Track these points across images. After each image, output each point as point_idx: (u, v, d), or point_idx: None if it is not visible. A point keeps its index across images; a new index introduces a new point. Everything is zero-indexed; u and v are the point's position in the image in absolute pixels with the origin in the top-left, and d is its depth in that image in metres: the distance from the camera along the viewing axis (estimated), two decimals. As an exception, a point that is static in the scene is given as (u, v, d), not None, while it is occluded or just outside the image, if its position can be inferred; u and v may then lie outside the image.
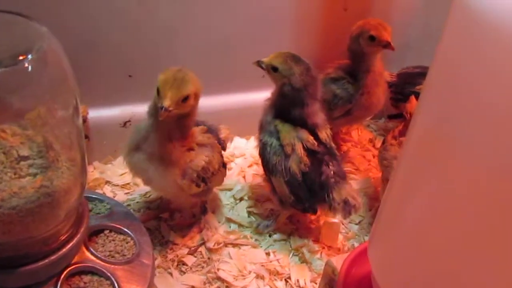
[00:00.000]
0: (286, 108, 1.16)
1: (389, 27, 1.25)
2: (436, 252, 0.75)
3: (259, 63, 1.16)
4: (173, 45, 1.32)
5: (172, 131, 1.00)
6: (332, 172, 1.15)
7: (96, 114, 1.31)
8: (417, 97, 1.30)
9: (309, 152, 1.14)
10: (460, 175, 0.69)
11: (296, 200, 1.15)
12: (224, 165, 1.19)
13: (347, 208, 1.13)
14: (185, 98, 0.94)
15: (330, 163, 1.16)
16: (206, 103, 1.40)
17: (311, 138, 1.15)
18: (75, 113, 0.85)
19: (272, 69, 1.14)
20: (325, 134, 1.18)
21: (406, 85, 1.48)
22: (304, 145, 1.14)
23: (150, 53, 1.31)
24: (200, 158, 1.06)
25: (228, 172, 1.31)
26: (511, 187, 0.60)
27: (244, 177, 1.39)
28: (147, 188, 1.30)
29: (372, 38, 1.24)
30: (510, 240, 0.63)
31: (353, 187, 1.19)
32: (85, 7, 1.20)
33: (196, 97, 0.98)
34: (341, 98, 1.34)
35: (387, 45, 1.24)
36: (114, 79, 1.31)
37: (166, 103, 0.91)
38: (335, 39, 1.38)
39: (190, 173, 1.05)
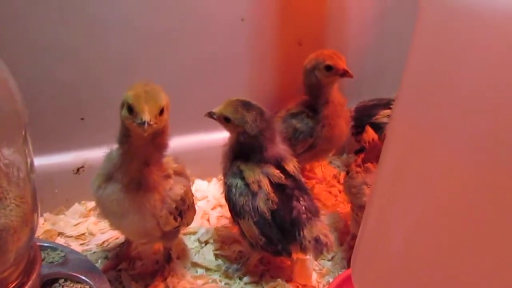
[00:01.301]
0: (245, 153, 1.11)
1: (343, 56, 1.25)
2: (423, 267, 0.71)
3: (210, 115, 1.12)
4: (127, 84, 1.26)
5: (148, 154, 0.94)
6: (303, 207, 1.08)
7: (46, 161, 1.23)
8: (373, 127, 1.29)
9: (277, 187, 1.08)
10: (441, 188, 0.67)
11: (267, 242, 1.07)
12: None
13: (319, 247, 1.06)
14: (161, 110, 0.88)
15: (301, 198, 1.09)
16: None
17: (277, 171, 1.09)
18: (25, 144, 0.78)
19: (225, 120, 1.10)
20: (292, 166, 1.13)
21: (364, 118, 1.47)
22: (271, 180, 1.08)
23: (103, 93, 1.25)
24: (179, 187, 1.00)
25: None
26: (497, 197, 0.59)
27: (208, 220, 1.32)
28: (104, 237, 1.21)
29: (328, 68, 1.24)
30: (497, 254, 0.61)
31: (325, 224, 1.12)
32: (31, 43, 1.14)
33: (168, 109, 0.92)
34: (302, 132, 1.31)
35: (344, 74, 1.23)
36: (65, 122, 1.24)
37: (146, 117, 0.85)
38: (292, 74, 1.37)
39: (169, 203, 0.97)
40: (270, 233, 1.07)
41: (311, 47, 1.36)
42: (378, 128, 1.33)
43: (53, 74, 1.19)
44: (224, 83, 1.38)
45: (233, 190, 1.09)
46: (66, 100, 1.22)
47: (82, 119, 1.26)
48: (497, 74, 0.56)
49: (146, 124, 0.84)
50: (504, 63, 0.56)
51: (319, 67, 1.25)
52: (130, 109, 0.87)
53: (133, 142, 0.92)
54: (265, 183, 1.07)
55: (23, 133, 0.77)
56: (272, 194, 1.06)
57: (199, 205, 1.36)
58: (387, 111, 1.42)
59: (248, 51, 1.38)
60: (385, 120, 1.41)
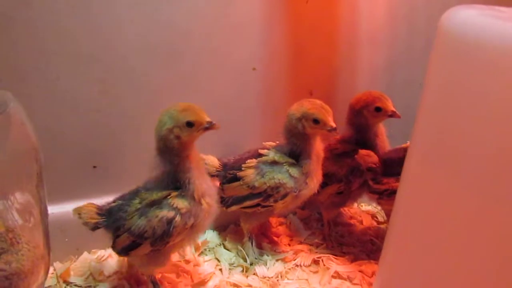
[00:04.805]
0: None
1: (389, 97, 1.28)
2: None
3: None
4: (137, 133, 1.28)
5: None
6: None
7: (57, 209, 1.22)
8: None
9: None
10: (451, 223, 0.67)
11: None
12: None
13: None
14: None
15: None
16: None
17: None
18: (39, 188, 0.78)
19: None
20: None
21: None
22: None
23: (116, 142, 1.26)
24: None
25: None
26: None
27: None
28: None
29: (378, 109, 1.27)
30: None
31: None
32: (46, 93, 1.17)
33: None
34: (358, 170, 1.32)
35: (392, 114, 1.27)
36: (77, 171, 1.25)
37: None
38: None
39: None
40: None
41: (322, 96, 1.37)
42: None
43: (66, 123, 1.20)
44: (235, 132, 1.39)
45: None
46: (78, 148, 1.23)
47: (94, 167, 1.26)
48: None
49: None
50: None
51: (368, 109, 1.28)
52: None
53: None
54: None
55: (38, 177, 0.77)
56: None
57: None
58: None
59: (259, 101, 1.39)
60: None
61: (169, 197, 1.03)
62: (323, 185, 1.27)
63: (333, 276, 1.25)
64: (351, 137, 1.35)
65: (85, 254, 1.27)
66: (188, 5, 1.22)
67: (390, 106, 1.27)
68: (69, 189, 1.25)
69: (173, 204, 1.02)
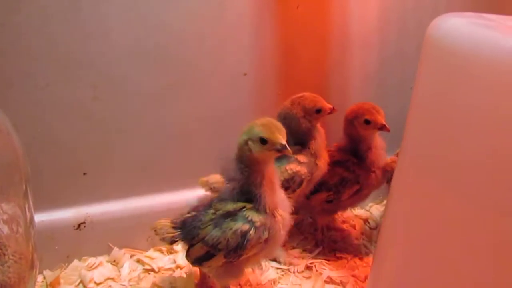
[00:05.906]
0: None
1: (381, 110, 1.28)
2: None
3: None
4: (128, 140, 1.27)
5: None
6: None
7: (46, 217, 1.21)
8: None
9: None
10: (444, 230, 0.67)
11: None
12: None
13: None
14: None
15: None
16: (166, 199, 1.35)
17: None
18: (25, 199, 0.77)
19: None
20: None
21: None
22: None
23: (105, 149, 1.25)
24: None
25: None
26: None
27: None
28: (104, 295, 1.18)
29: (367, 122, 1.27)
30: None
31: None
32: (35, 100, 1.15)
33: None
34: (349, 180, 1.32)
35: (382, 128, 1.26)
36: (67, 178, 1.23)
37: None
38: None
39: None
40: None
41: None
42: None
43: (56, 130, 1.19)
44: (226, 138, 1.37)
45: None
46: (68, 155, 1.22)
47: (84, 174, 1.25)
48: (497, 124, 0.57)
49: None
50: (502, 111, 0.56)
51: (358, 120, 1.28)
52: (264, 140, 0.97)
53: None
54: None
55: (24, 187, 0.76)
56: None
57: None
58: None
59: (250, 106, 1.39)
60: None
61: (244, 209, 1.01)
62: (314, 191, 1.28)
63: (326, 282, 1.24)
64: (347, 147, 1.35)
65: (75, 262, 1.26)
66: (180, 11, 1.22)
67: (380, 120, 1.26)
68: (59, 196, 1.24)
69: (248, 217, 0.99)
